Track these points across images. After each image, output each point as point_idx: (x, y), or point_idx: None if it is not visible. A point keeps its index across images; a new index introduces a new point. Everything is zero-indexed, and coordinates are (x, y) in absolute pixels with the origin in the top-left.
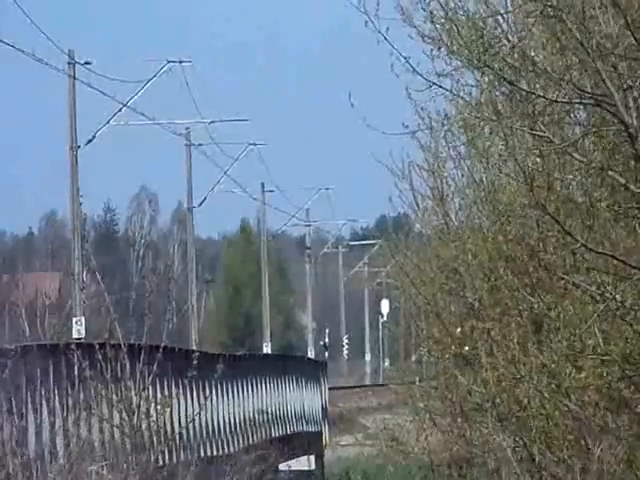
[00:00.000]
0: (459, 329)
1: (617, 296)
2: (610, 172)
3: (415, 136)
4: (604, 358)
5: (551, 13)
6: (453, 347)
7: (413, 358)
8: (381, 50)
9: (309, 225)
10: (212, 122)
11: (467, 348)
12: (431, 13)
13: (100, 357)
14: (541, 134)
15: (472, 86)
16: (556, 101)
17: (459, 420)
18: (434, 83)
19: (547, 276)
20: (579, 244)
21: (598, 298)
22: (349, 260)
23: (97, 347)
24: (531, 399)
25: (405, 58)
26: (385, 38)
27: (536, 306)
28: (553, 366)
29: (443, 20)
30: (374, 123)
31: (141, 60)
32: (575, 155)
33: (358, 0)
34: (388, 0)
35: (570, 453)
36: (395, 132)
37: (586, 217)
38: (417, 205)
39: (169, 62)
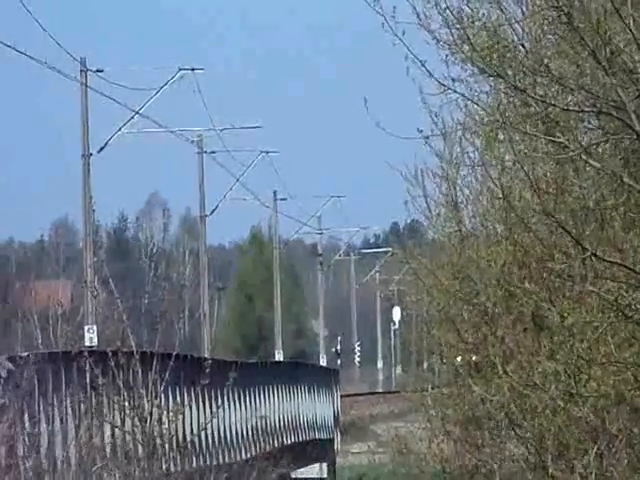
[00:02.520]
0: (470, 336)
1: (631, 303)
2: (625, 179)
3: (428, 142)
4: (618, 365)
5: (565, 20)
6: (463, 354)
7: (425, 365)
8: (395, 56)
9: (321, 233)
10: (224, 129)
11: (479, 356)
12: (446, 20)
13: (113, 364)
14: (556, 140)
15: (486, 93)
16: (569, 109)
17: (471, 428)
18: (449, 87)
19: (560, 283)
20: (589, 253)
21: (612, 305)
22: (361, 267)
23: (110, 354)
24: (544, 407)
25: (421, 61)
26: (401, 40)
27: (549, 314)
28: (567, 373)
29: (458, 26)
30: (387, 130)
31: (153, 68)
32: (590, 161)
33: (374, 2)
34: (403, 4)
35: (584, 461)
36: (408, 136)
37: (599, 224)
38: (430, 212)
39: (181, 69)
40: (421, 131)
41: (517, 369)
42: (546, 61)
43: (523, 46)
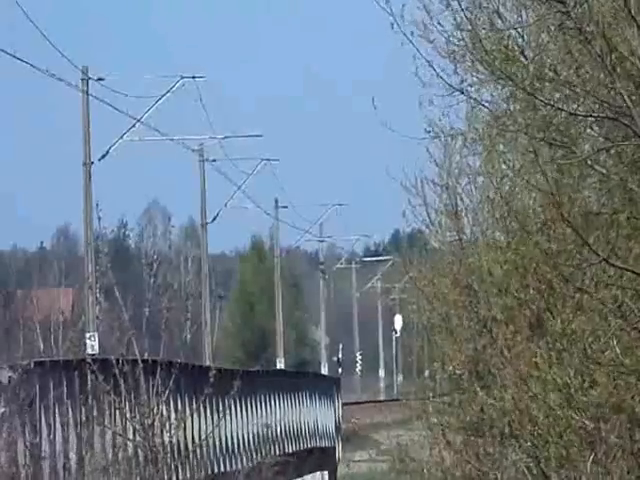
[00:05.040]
0: (470, 345)
1: (634, 309)
2: (629, 185)
3: (429, 152)
4: (620, 371)
5: (570, 26)
6: (463, 363)
7: (426, 374)
8: (395, 65)
9: (322, 241)
10: (225, 138)
11: (479, 365)
12: (455, 23)
13: (116, 372)
14: (562, 145)
15: (489, 102)
16: (576, 114)
17: (472, 436)
18: (456, 89)
19: (561, 290)
20: (601, 258)
21: (615, 312)
22: (362, 276)
23: (113, 362)
24: (544, 416)
25: (429, 62)
26: (410, 40)
27: (550, 321)
28: (568, 380)
29: (465, 29)
30: (387, 139)
31: (155, 76)
32: (596, 167)
33: (385, 2)
34: (409, 5)
35: (585, 471)
36: (414, 137)
37: (606, 230)
38: (430, 221)
39: (183, 78)
40: (429, 132)
41: (516, 379)
42: (552, 66)
43: (523, 54)
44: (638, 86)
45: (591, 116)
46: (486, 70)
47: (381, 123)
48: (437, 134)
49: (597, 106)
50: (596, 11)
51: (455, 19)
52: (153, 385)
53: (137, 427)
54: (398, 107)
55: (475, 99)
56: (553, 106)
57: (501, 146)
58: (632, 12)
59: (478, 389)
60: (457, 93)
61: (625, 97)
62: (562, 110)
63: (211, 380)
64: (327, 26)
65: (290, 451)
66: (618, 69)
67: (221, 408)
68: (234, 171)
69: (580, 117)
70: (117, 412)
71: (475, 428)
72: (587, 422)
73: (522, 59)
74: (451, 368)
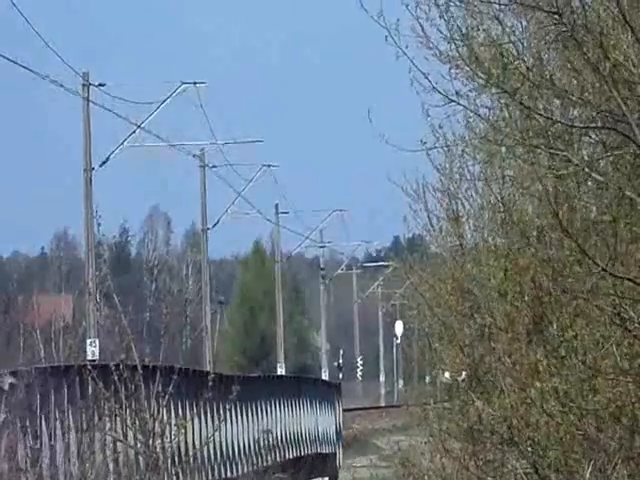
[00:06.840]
0: (470, 352)
1: (634, 317)
2: (627, 192)
3: (430, 157)
4: (620, 378)
5: (567, 35)
6: (463, 368)
7: (427, 379)
8: (396, 70)
9: (323, 246)
10: (226, 143)
11: (479, 371)
12: (449, 33)
13: (116, 378)
14: (559, 153)
15: (488, 108)
16: (573, 126)
17: (472, 442)
18: (452, 100)
19: (563, 296)
20: (600, 268)
21: (614, 319)
22: (363, 281)
23: (113, 368)
24: (543, 423)
25: (424, 74)
26: (404, 53)
27: (549, 328)
28: (567, 387)
29: (462, 37)
30: (391, 142)
31: (156, 82)
32: (594, 175)
33: (378, 15)
34: (405, 15)
35: (585, 477)
36: (411, 149)
37: (606, 239)
38: (431, 226)
39: (184, 83)
40: (424, 143)
41: (516, 386)
42: (549, 74)
43: (523, 60)
44: (634, 92)
45: (588, 127)
46: (483, 79)
47: (379, 136)
48: (437, 140)
49: (594, 115)
50: (591, 19)
51: (450, 30)
52: (153, 390)
53: (137, 432)
54: (399, 110)
55: (471, 110)
56: (550, 119)
57: (501, 153)
58: (626, 18)
59: (475, 398)
60: (454, 103)
61: (622, 104)
62: (561, 122)
63: (210, 385)
64: (326, 28)
65: (291, 457)
66: (614, 76)
67: (221, 413)
68: (235, 177)
69: (578, 128)
70: (117, 418)
71: (475, 434)
72: (587, 429)
73: (520, 67)
74: (448, 375)
